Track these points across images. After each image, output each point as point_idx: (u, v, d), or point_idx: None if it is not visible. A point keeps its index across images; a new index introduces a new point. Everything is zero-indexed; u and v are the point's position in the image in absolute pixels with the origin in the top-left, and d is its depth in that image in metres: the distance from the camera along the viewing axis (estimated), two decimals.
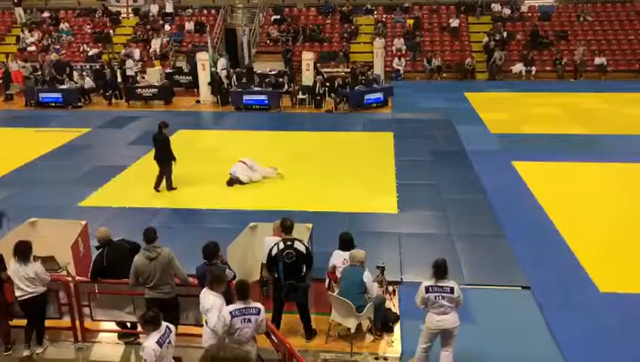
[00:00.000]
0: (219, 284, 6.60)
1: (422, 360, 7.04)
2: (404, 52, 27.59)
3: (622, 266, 9.75)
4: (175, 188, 13.20)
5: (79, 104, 22.29)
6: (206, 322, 6.56)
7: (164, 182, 13.13)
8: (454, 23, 29.02)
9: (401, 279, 9.14)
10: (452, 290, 6.78)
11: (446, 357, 6.96)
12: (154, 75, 23.81)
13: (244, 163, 13.71)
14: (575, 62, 26.20)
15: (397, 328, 8.01)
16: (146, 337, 6.13)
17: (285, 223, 7.85)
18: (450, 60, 27.35)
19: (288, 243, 7.57)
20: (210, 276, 6.70)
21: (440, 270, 6.79)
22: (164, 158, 12.99)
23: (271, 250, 7.64)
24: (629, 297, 8.76)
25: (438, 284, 6.77)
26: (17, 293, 7.36)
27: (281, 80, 22.78)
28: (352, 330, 7.57)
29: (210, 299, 6.52)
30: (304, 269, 7.61)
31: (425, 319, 6.98)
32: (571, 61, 26.39)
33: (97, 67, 24.81)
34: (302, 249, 7.59)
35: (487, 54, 26.98)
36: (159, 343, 5.94)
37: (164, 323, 6.16)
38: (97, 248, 7.96)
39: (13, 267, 7.36)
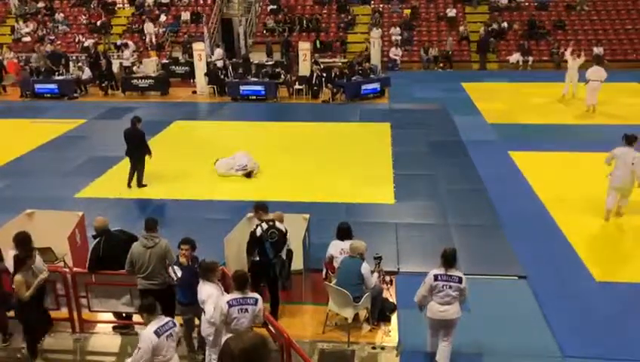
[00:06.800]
0: (207, 275, 6.65)
1: (434, 346, 7.14)
2: (400, 42, 27.51)
3: (617, 256, 9.80)
4: (146, 185, 12.73)
5: (75, 95, 22.20)
6: (204, 312, 6.60)
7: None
8: (451, 12, 28.93)
9: (398, 269, 9.17)
10: (460, 280, 6.83)
11: (444, 349, 6.99)
12: (150, 66, 23.67)
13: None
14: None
15: (394, 318, 8.05)
16: (144, 327, 6.15)
17: (261, 204, 8.26)
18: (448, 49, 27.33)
19: (270, 223, 7.92)
20: (200, 268, 6.79)
21: (449, 259, 6.83)
22: (140, 154, 12.58)
23: (254, 231, 7.83)
24: (625, 286, 8.81)
25: (447, 273, 6.81)
26: None
27: (277, 70, 22.70)
28: (350, 320, 7.61)
29: (206, 290, 6.58)
30: (283, 248, 7.98)
31: (425, 310, 7.00)
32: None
33: (91, 57, 24.57)
34: (282, 228, 7.98)
35: (480, 43, 26.88)
36: (157, 333, 5.93)
37: (168, 317, 6.18)
38: (94, 237, 7.97)
39: (11, 258, 7.34)
